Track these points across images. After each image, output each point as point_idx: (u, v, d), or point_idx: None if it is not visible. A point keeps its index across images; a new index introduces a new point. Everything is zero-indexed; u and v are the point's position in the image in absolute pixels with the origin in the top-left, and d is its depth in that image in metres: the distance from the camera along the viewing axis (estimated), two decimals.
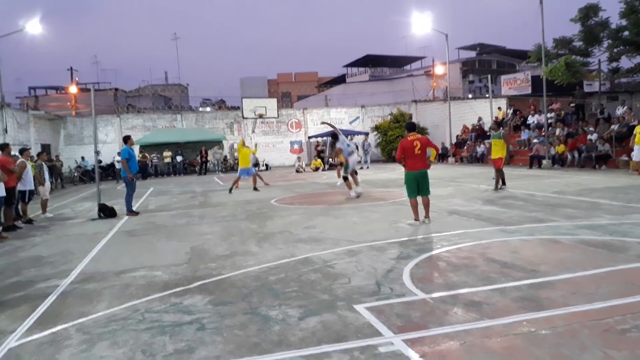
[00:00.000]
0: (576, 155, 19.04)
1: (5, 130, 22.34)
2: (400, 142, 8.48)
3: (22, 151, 11.65)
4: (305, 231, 8.24)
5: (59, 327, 4.29)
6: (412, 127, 8.66)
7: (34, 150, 20.96)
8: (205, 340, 3.80)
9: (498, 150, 12.47)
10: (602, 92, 28.68)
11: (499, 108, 28.23)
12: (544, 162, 19.95)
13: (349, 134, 31.79)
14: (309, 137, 33.36)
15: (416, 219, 8.23)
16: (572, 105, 23.43)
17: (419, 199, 8.32)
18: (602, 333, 3.52)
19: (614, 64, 22.07)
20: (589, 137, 19.15)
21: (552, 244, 6.42)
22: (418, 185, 8.24)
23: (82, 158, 27.99)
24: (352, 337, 3.68)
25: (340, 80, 57.59)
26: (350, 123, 34.29)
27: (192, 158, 30.73)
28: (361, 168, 25.39)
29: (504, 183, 12.49)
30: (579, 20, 20.85)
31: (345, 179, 12.17)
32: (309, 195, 14.01)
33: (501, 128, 13.37)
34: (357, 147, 28.11)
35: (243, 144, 16.71)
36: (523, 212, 8.97)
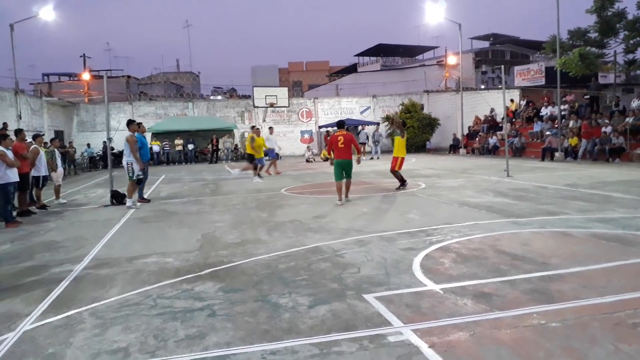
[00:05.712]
0: (588, 145, 18.85)
1: (20, 117, 22.60)
2: (330, 137, 10.05)
3: (35, 137, 11.77)
4: (315, 220, 8.26)
5: (72, 312, 4.35)
6: (341, 124, 10.16)
7: (48, 137, 21.14)
8: (216, 327, 3.84)
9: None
10: (617, 84, 28.29)
11: (512, 100, 27.97)
12: (557, 154, 19.77)
13: (360, 124, 31.79)
14: (320, 127, 33.33)
15: (339, 199, 9.84)
16: (586, 97, 23.14)
17: (344, 181, 9.90)
18: (613, 327, 3.51)
19: (630, 56, 21.73)
20: (603, 129, 18.93)
21: (563, 236, 6.39)
22: (343, 172, 9.85)
23: (88, 145, 28.28)
24: (362, 326, 3.70)
25: (351, 69, 57.33)
26: (361, 113, 34.19)
27: (204, 146, 30.84)
28: (371, 158, 25.35)
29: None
30: (594, 11, 20.47)
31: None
32: (319, 185, 14.02)
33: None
34: (367, 138, 28.14)
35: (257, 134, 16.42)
36: (534, 204, 8.92)
